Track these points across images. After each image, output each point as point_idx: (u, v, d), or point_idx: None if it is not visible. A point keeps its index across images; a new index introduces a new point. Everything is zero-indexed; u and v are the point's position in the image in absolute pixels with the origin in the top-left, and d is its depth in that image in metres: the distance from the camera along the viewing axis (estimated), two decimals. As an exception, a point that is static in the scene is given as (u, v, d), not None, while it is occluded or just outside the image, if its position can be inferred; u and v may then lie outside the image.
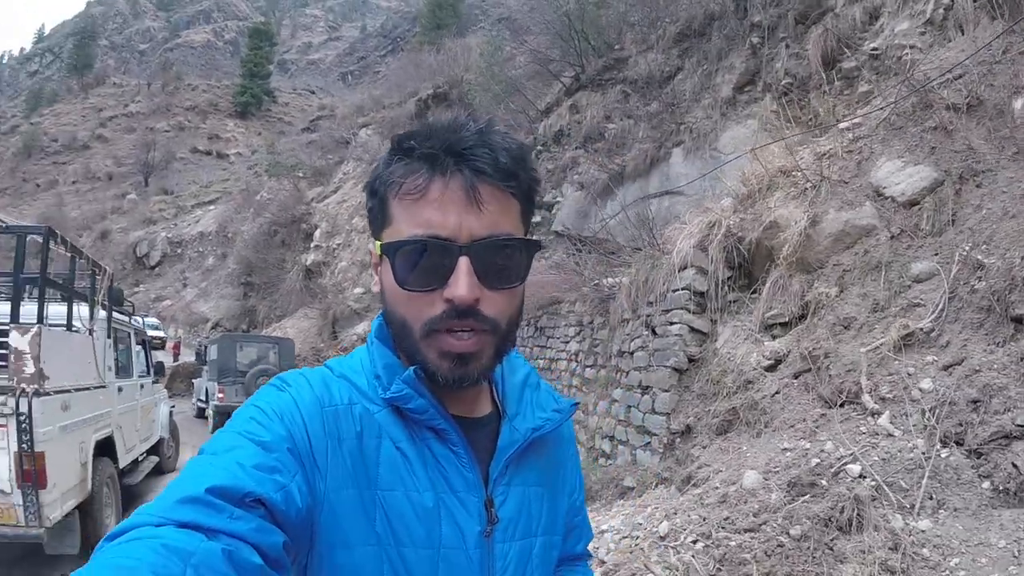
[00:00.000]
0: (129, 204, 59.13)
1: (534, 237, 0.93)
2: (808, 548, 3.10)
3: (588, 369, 8.88)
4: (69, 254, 6.31)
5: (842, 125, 6.46)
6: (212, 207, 51.68)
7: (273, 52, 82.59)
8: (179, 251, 49.47)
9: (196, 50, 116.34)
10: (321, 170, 39.16)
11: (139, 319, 9.60)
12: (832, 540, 3.14)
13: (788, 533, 3.23)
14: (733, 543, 3.27)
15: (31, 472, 4.91)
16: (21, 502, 4.94)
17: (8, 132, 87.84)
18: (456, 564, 0.87)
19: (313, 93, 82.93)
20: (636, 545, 3.85)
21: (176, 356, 27.80)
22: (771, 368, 5.31)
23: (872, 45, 7.36)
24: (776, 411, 4.77)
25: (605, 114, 13.93)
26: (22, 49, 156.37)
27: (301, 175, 41.83)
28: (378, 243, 0.89)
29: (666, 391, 6.36)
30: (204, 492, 0.69)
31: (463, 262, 0.83)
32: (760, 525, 3.35)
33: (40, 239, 5.57)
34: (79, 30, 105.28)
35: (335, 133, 42.04)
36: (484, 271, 0.84)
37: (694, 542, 3.44)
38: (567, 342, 10.00)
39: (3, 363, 5.19)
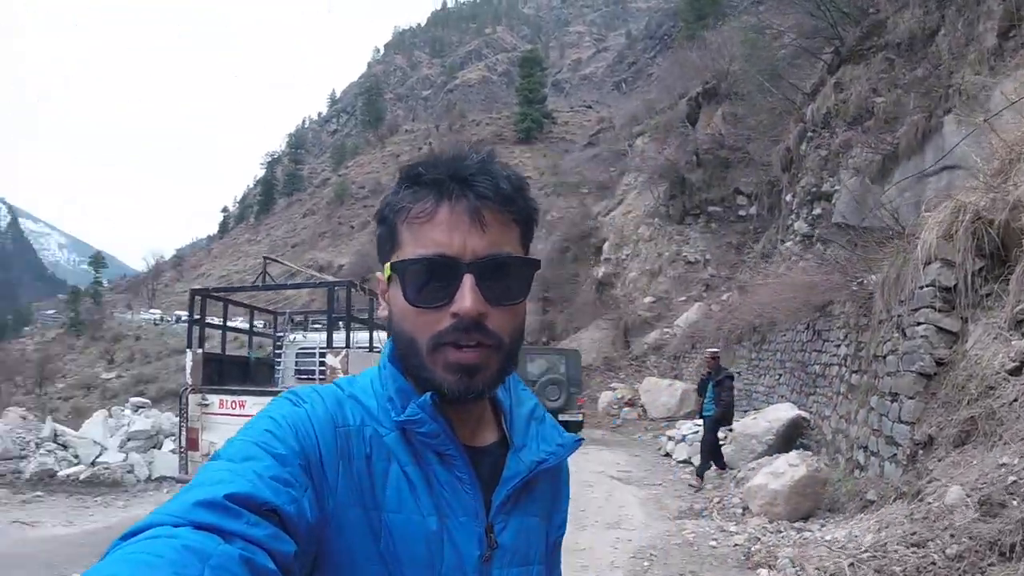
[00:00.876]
0: (436, 237, 66.66)
1: (533, 257, 1.01)
2: (959, 569, 3.12)
3: (854, 375, 8.63)
4: (368, 296, 8.80)
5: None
6: (509, 230, 56.02)
7: (545, 75, 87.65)
8: (478, 272, 54.63)
9: (474, 87, 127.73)
10: (605, 184, 40.91)
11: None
12: (988, 565, 3.10)
13: (945, 552, 3.25)
14: (895, 556, 3.37)
15: None
16: None
17: (320, 185, 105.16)
18: None
19: (590, 108, 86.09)
20: (842, 557, 4.00)
21: None
22: (1015, 371, 4.98)
23: None
24: (1011, 421, 4.52)
25: (871, 87, 13.18)
26: (320, 113, 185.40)
27: (586, 191, 44.06)
28: (387, 266, 0.97)
29: (911, 398, 6.14)
30: (222, 498, 0.74)
31: (468, 279, 0.90)
32: (927, 541, 3.39)
33: (344, 288, 8.09)
34: (366, 89, 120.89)
35: (614, 145, 43.62)
36: (487, 288, 0.91)
37: (870, 554, 3.56)
38: (838, 345, 9.76)
39: (312, 377, 7.89)
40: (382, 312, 1.02)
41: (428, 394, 0.93)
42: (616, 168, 40.14)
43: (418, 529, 0.92)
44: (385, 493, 0.92)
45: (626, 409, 19.73)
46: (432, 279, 0.91)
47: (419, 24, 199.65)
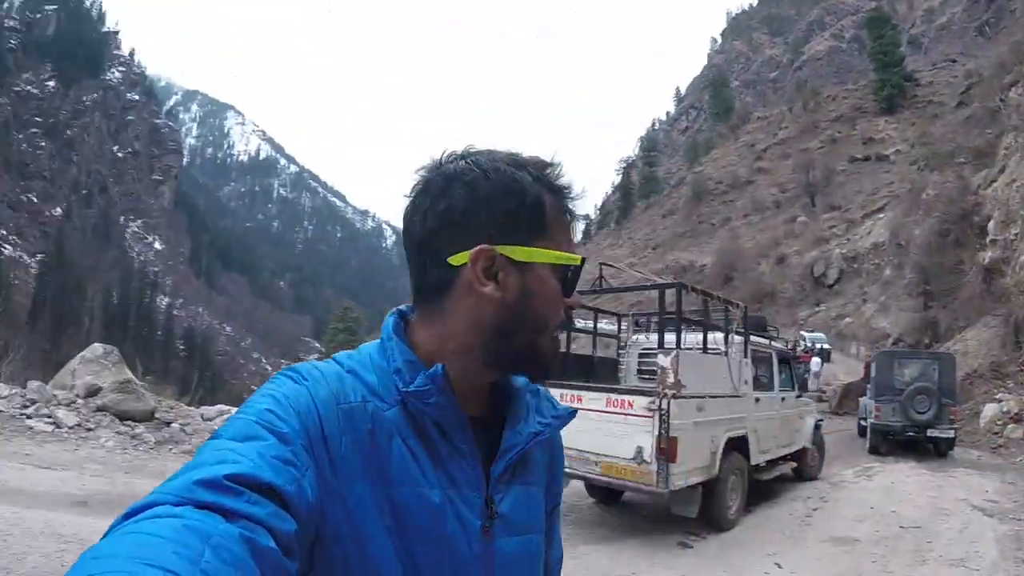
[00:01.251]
0: (800, 226, 62.63)
1: None
2: None
3: None
4: (701, 297, 9.17)
5: None
6: (881, 215, 50.97)
7: (898, 33, 79.47)
8: (855, 266, 49.51)
9: (822, 60, 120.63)
10: (982, 149, 36.66)
11: (804, 335, 11.95)
12: None
13: None
14: None
15: (665, 450, 7.26)
16: (656, 469, 7.28)
17: (677, 184, 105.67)
18: (459, 556, 0.98)
19: (954, 62, 76.30)
20: None
21: (867, 376, 27.57)
22: None
23: None
24: None
25: None
26: (668, 113, 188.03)
27: (962, 160, 39.84)
28: (540, 251, 1.01)
29: None
30: (223, 478, 0.76)
31: None
32: None
33: (675, 291, 8.47)
34: (710, 81, 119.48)
35: (986, 101, 39.17)
36: None
37: None
38: None
39: (653, 376, 8.05)
40: (496, 292, 0.99)
41: (439, 366, 0.98)
42: (992, 129, 35.95)
43: (423, 501, 0.96)
44: (390, 468, 0.95)
45: (1011, 426, 16.80)
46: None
47: (751, 5, 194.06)
